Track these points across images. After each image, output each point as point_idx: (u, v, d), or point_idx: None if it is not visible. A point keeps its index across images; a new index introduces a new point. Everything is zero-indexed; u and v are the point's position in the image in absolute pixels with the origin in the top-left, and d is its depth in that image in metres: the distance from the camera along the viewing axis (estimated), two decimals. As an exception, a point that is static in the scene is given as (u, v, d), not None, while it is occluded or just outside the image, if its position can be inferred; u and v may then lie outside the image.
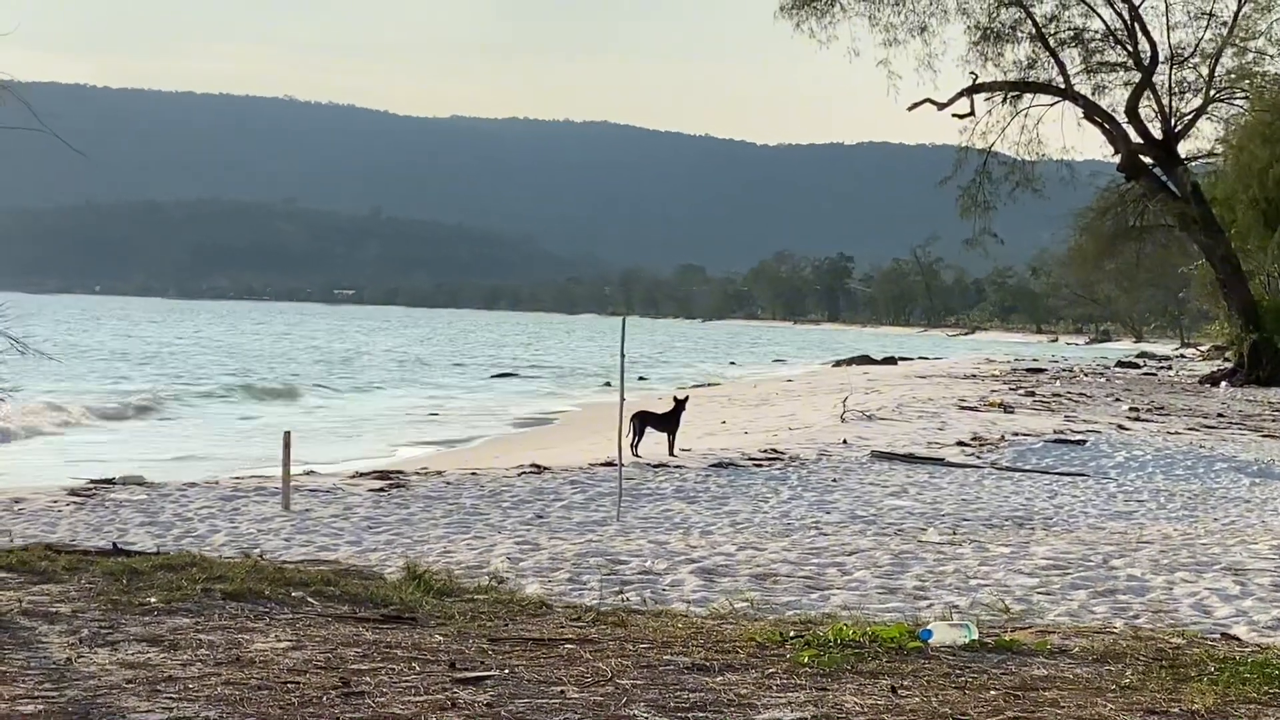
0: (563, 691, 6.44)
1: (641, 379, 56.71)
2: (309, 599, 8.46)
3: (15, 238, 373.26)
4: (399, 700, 6.24)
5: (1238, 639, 8.86)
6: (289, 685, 6.44)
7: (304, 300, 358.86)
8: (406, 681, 6.57)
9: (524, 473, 20.01)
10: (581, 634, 7.77)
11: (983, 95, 52.66)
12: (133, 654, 6.99)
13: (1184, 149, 53.09)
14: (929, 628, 7.71)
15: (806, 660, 7.06)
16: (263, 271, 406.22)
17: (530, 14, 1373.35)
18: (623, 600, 9.95)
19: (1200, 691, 6.61)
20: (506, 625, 7.99)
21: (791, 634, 7.68)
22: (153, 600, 8.14)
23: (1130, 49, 51.94)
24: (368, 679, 6.57)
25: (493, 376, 65.33)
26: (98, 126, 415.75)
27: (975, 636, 7.59)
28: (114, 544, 11.33)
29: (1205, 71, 52.33)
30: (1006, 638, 7.75)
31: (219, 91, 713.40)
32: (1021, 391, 41.71)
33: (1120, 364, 69.57)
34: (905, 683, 6.73)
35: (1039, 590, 11.42)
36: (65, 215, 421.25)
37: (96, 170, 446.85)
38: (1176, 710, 6.37)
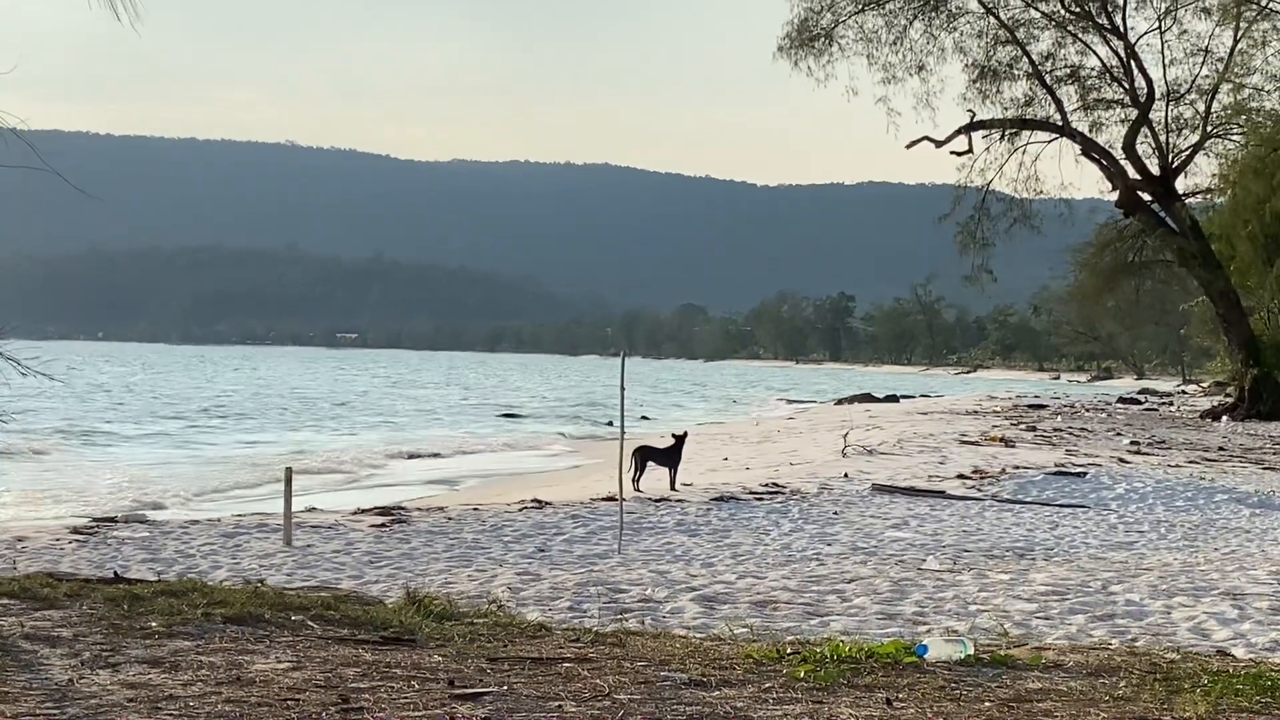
0: (560, 706, 6.50)
1: (644, 418, 56.74)
2: (309, 622, 8.51)
3: (18, 283, 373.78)
4: (397, 715, 6.30)
5: (1233, 657, 8.90)
6: (289, 702, 6.50)
7: (307, 344, 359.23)
8: (405, 698, 6.62)
9: (525, 508, 20.06)
10: (580, 653, 7.82)
11: (980, 133, 52.89)
12: (134, 675, 7.04)
13: (1182, 185, 53.29)
14: (924, 643, 7.76)
15: (803, 675, 7.11)
16: (265, 316, 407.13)
17: (530, 58, 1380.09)
18: (622, 624, 10.00)
19: (1193, 701, 6.65)
20: (505, 646, 8.04)
21: (788, 651, 7.73)
22: (154, 624, 8.19)
23: (1127, 86, 52.17)
24: (367, 696, 6.63)
25: (499, 416, 65.35)
26: (101, 173, 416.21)
27: (971, 652, 7.64)
28: (115, 572, 11.38)
29: (1202, 108, 52.55)
30: (1002, 653, 7.81)
31: (221, 138, 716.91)
32: (1023, 427, 41.74)
33: (1122, 400, 69.62)
34: (900, 695, 6.78)
35: (1038, 615, 11.48)
36: (68, 261, 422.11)
37: (100, 216, 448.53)
38: (1169, 719, 6.41)
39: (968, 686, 7.03)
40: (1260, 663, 8.07)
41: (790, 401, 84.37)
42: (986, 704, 6.66)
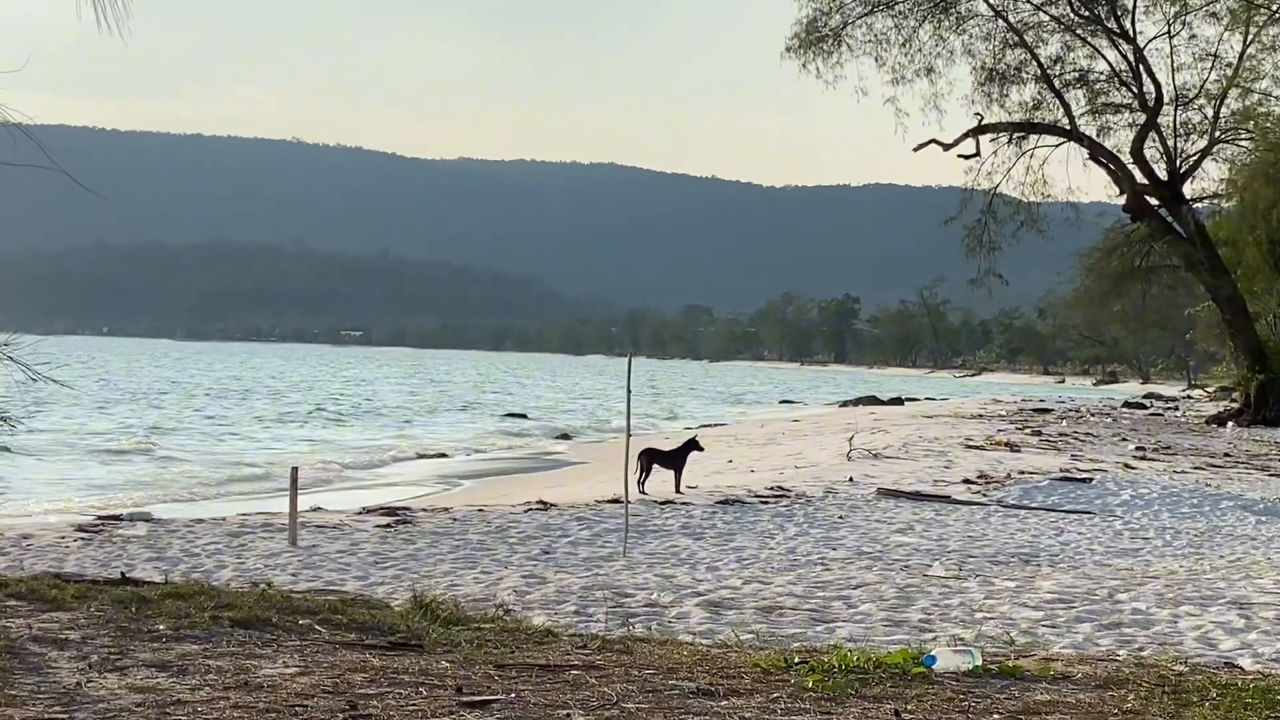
0: (568, 715, 6.48)
1: (649, 417, 56.69)
2: (316, 626, 8.50)
3: (25, 278, 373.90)
4: (406, 722, 6.28)
5: (1241, 669, 8.88)
6: (296, 709, 6.48)
7: (311, 341, 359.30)
8: (413, 705, 6.60)
9: (531, 509, 20.05)
10: (587, 660, 7.80)
11: (988, 136, 52.75)
12: (141, 679, 7.03)
13: (1189, 190, 53.16)
14: (933, 653, 7.75)
15: (811, 685, 7.09)
16: (270, 312, 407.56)
17: (537, 56, 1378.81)
18: (629, 630, 9.99)
19: (1202, 716, 6.63)
20: (513, 652, 8.02)
21: (796, 660, 7.71)
22: (161, 627, 8.18)
23: (1135, 90, 52.06)
24: (375, 703, 6.61)
25: (504, 416, 65.32)
26: (108, 168, 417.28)
27: (979, 663, 7.62)
28: (122, 573, 11.38)
29: (1210, 113, 52.44)
30: (1010, 664, 7.78)
31: (228, 134, 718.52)
32: (1028, 431, 41.71)
33: (1127, 405, 69.54)
34: (909, 707, 6.76)
35: (1044, 623, 11.47)
36: (75, 256, 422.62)
37: (106, 212, 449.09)
38: (1178, 734, 6.40)
39: (976, 698, 7.01)
40: (1268, 675, 8.05)
41: (795, 403, 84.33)
42: (995, 716, 6.64)
